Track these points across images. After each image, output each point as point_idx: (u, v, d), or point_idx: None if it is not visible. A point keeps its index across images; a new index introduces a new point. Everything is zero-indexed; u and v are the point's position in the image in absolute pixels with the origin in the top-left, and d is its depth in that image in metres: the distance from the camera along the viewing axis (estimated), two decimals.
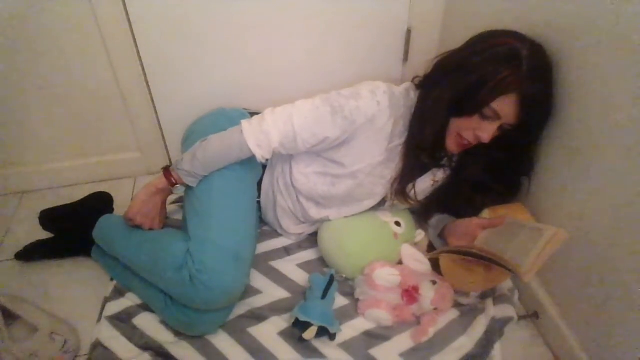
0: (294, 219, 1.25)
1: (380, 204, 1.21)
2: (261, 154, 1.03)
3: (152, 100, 1.42)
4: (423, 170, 1.15)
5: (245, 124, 1.03)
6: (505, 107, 0.92)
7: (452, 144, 1.04)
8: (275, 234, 1.32)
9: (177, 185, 1.07)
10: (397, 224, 1.21)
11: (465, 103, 0.96)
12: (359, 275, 1.15)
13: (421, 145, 1.06)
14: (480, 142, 0.99)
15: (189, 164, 1.04)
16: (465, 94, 0.95)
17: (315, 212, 1.19)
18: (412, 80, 1.10)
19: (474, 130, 0.98)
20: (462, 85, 0.95)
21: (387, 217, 1.21)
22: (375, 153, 1.07)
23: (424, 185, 1.16)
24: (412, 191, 1.13)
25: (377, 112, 1.02)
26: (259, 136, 1.02)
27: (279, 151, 1.05)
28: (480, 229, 1.06)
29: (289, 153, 1.09)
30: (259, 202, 1.23)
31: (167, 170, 1.08)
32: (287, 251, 1.28)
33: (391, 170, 1.11)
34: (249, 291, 1.15)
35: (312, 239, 1.28)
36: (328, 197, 1.15)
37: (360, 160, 1.08)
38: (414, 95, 1.07)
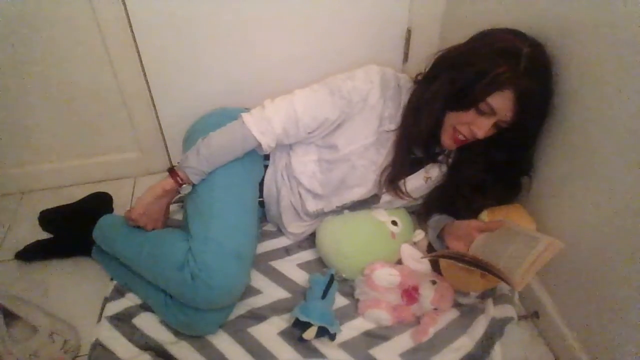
0: (294, 214, 1.25)
1: (374, 201, 1.21)
2: (266, 142, 1.05)
3: (152, 100, 1.42)
4: (416, 164, 1.15)
5: (245, 115, 1.06)
6: (501, 102, 0.93)
7: (446, 139, 1.04)
8: (275, 234, 1.32)
9: (184, 185, 1.08)
10: (394, 223, 1.21)
11: (462, 97, 0.96)
12: (359, 275, 1.15)
13: (415, 137, 1.07)
14: (475, 138, 1.00)
15: (194, 161, 1.05)
16: (462, 88, 0.96)
17: (311, 204, 1.20)
18: (415, 77, 1.10)
19: (469, 125, 0.98)
20: (460, 79, 0.96)
21: (383, 217, 1.21)
22: (368, 133, 1.09)
23: (417, 182, 1.16)
24: (403, 183, 1.13)
25: (370, 89, 1.05)
26: (262, 123, 1.04)
27: (281, 140, 1.07)
28: (478, 232, 1.06)
29: (291, 142, 1.10)
30: (260, 202, 1.24)
31: (172, 171, 1.08)
32: (287, 251, 1.28)
33: (382, 156, 1.12)
34: (249, 291, 1.15)
35: (312, 239, 1.28)
36: (325, 184, 1.16)
37: (353, 141, 1.09)
38: (404, 82, 1.09)
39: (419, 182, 1.17)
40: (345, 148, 1.10)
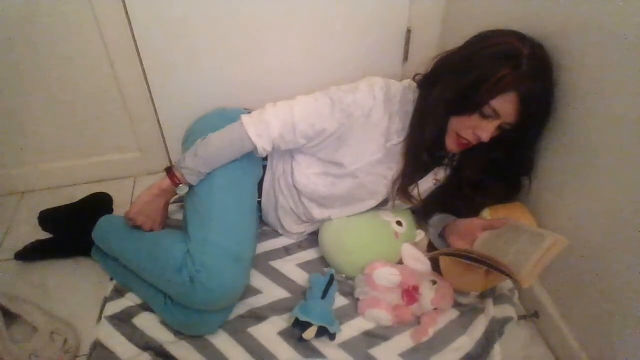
0: (296, 219, 1.25)
1: (383, 204, 1.21)
2: (262, 145, 1.04)
3: (152, 100, 1.42)
4: (425, 169, 1.15)
5: (245, 116, 1.05)
6: (505, 106, 0.93)
7: (451, 144, 1.04)
8: (275, 233, 1.32)
9: (181, 185, 1.07)
10: (399, 223, 1.21)
11: (465, 102, 0.96)
12: (359, 274, 1.15)
13: (422, 144, 1.06)
14: (480, 142, 1.00)
15: (191, 162, 1.04)
16: (465, 93, 0.95)
17: (318, 213, 1.19)
18: (414, 78, 1.10)
19: (474, 129, 0.98)
20: (462, 84, 0.96)
21: (388, 217, 1.21)
22: (374, 150, 1.07)
23: (427, 185, 1.16)
24: (415, 191, 1.13)
25: (373, 106, 1.03)
26: (260, 125, 1.03)
27: (278, 145, 1.06)
28: (481, 230, 1.06)
29: (289, 147, 1.09)
30: (259, 203, 1.24)
31: (170, 171, 1.08)
32: (287, 251, 1.28)
33: (393, 170, 1.12)
34: (249, 291, 1.15)
35: (313, 239, 1.28)
36: (330, 198, 1.15)
37: (359, 159, 1.08)
38: (412, 95, 1.07)
39: (428, 186, 1.17)
40: (351, 165, 1.09)
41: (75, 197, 1.36)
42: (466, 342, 1.06)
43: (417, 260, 1.16)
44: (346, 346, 1.06)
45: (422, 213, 1.26)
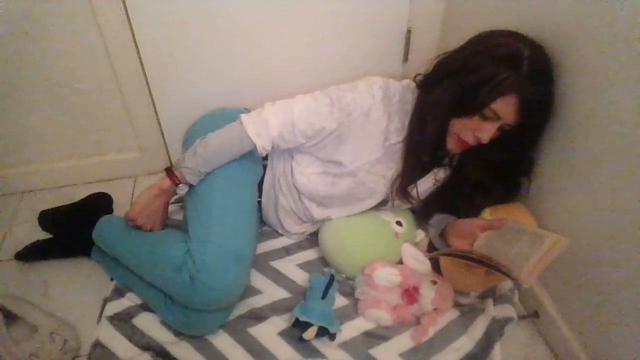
0: (296, 218, 1.25)
1: (382, 204, 1.21)
2: (261, 144, 1.04)
3: (152, 100, 1.42)
4: (424, 169, 1.15)
5: (244, 115, 1.06)
6: (505, 108, 0.93)
7: (452, 144, 1.04)
8: (275, 234, 1.32)
9: (181, 185, 1.08)
10: (399, 223, 1.21)
11: (465, 104, 0.96)
12: (359, 274, 1.15)
13: (421, 145, 1.06)
14: (480, 143, 1.00)
15: (190, 161, 1.05)
16: (465, 95, 0.95)
17: (317, 212, 1.19)
18: (414, 78, 1.10)
19: (474, 130, 0.98)
20: (462, 86, 0.96)
21: (388, 217, 1.21)
22: (373, 149, 1.07)
23: (426, 185, 1.16)
24: (414, 191, 1.13)
25: (372, 105, 1.03)
26: (259, 124, 1.04)
27: (277, 143, 1.06)
28: (481, 230, 1.06)
29: (288, 146, 1.09)
30: (259, 202, 1.24)
31: (170, 171, 1.08)
32: (287, 251, 1.28)
33: (392, 170, 1.12)
34: (249, 291, 1.15)
35: (312, 239, 1.29)
36: (329, 197, 1.15)
37: (358, 157, 1.08)
38: (411, 95, 1.08)
39: (427, 186, 1.17)
40: (351, 164, 1.09)
41: (75, 197, 1.36)
42: (466, 342, 1.06)
43: (417, 260, 1.16)
44: (346, 346, 1.06)
45: (422, 213, 1.26)
